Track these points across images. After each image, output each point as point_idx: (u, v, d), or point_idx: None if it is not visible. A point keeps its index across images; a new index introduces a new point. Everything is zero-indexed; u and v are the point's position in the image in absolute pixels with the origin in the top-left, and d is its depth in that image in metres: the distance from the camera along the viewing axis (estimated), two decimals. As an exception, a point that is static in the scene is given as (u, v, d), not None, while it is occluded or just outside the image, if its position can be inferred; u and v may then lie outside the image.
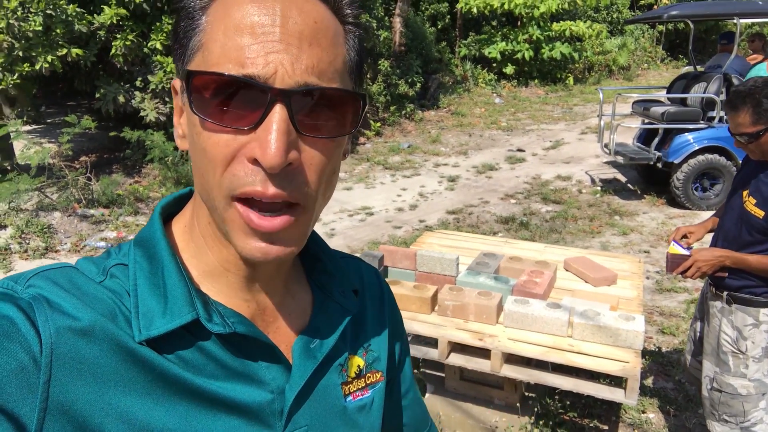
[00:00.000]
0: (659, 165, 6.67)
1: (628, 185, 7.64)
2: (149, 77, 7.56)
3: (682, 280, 4.90)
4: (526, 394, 2.89)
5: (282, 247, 0.56)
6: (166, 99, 7.68)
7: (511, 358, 2.49)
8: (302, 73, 0.52)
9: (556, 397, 3.18)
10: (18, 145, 7.17)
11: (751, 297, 2.34)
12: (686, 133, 6.44)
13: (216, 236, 0.60)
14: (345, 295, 0.73)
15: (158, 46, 7.37)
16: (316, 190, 0.56)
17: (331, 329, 0.69)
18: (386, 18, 11.85)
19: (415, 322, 2.55)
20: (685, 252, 2.46)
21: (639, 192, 7.31)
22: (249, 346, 0.61)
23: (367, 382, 0.73)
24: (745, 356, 2.36)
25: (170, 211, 0.67)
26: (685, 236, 2.66)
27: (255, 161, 0.52)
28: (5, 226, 5.87)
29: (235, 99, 0.52)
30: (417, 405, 0.88)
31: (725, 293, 2.42)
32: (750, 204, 2.29)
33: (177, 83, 0.60)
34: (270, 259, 0.56)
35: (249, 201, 0.54)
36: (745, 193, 2.34)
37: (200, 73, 0.53)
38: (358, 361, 0.73)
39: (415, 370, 3.31)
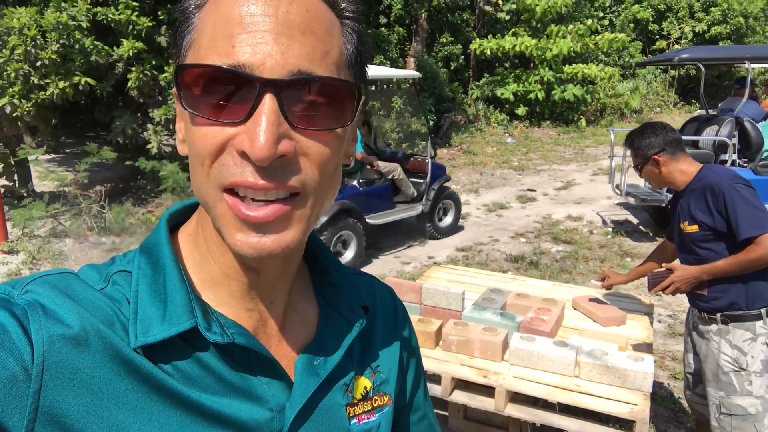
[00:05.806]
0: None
1: (640, 227, 7.57)
2: (155, 109, 7.69)
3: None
4: (532, 436, 2.81)
5: (276, 240, 0.52)
6: (172, 127, 7.79)
7: (517, 397, 2.43)
8: (293, 63, 0.50)
9: (564, 440, 3.08)
10: (35, 173, 7.30)
11: (744, 312, 2.40)
12: (698, 176, 6.39)
13: (218, 241, 0.58)
14: (353, 310, 0.69)
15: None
16: (314, 180, 0.53)
17: (336, 345, 0.66)
18: (400, 59, 12.06)
19: (418, 357, 2.50)
20: (665, 270, 2.55)
21: (651, 234, 7.23)
22: (249, 360, 0.59)
23: (374, 405, 0.69)
24: (747, 372, 2.38)
25: (178, 220, 0.66)
26: (604, 279, 3.02)
27: (244, 154, 0.50)
28: (18, 252, 5.93)
29: (224, 92, 0.51)
30: None
31: (719, 315, 2.46)
32: (685, 226, 2.51)
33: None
34: (264, 254, 0.52)
35: (240, 193, 0.51)
36: (683, 223, 2.53)
37: (187, 66, 0.52)
38: (364, 383, 0.69)
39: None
